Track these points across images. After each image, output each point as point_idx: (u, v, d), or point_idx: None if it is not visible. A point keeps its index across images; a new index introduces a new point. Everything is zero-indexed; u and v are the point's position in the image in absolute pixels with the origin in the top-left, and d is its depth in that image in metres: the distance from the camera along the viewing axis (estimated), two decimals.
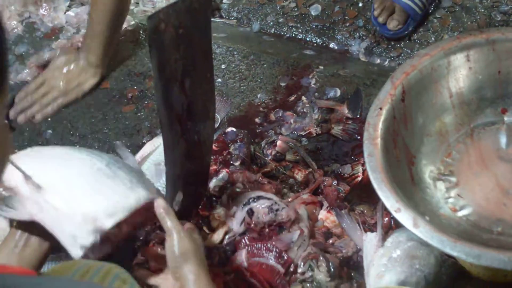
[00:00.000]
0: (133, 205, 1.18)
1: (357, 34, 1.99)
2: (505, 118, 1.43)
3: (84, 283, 0.97)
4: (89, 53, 1.89)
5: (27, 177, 1.17)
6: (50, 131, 1.91)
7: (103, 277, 1.05)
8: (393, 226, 1.46)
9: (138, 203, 1.18)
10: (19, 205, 1.17)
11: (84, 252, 1.14)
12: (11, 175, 1.17)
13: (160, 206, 1.19)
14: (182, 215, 1.32)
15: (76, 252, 1.14)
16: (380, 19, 1.91)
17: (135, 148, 1.83)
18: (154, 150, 1.69)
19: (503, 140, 1.41)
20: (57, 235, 1.16)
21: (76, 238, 1.14)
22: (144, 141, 1.85)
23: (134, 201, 1.18)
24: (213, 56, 1.43)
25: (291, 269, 1.42)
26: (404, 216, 1.19)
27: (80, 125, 1.95)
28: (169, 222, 1.17)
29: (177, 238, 1.15)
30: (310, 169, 1.65)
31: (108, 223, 1.14)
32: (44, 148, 1.36)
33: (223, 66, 2.00)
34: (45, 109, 1.60)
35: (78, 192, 1.19)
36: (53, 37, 2.18)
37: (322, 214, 1.54)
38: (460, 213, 1.33)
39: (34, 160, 1.25)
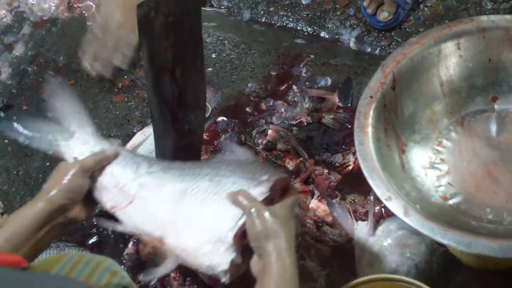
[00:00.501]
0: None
1: (348, 23, 1.99)
2: (495, 106, 1.43)
3: (70, 280, 0.95)
4: None
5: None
6: None
7: (93, 269, 1.04)
8: (384, 215, 1.46)
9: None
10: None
11: (230, 272, 1.13)
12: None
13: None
14: None
15: (224, 279, 1.13)
16: (369, 10, 1.90)
17: (126, 138, 1.82)
18: (145, 139, 1.68)
19: (493, 128, 1.41)
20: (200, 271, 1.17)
21: (214, 267, 1.13)
22: (135, 130, 1.85)
23: None
24: (203, 45, 1.43)
25: None
26: (395, 205, 1.19)
27: None
28: (244, 201, 1.13)
29: (255, 217, 1.10)
30: (301, 158, 1.65)
31: (230, 235, 1.13)
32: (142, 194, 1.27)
33: (213, 55, 1.99)
34: None
35: (195, 224, 1.17)
36: (43, 27, 2.17)
37: (313, 203, 1.54)
38: (451, 201, 1.33)
39: (142, 210, 1.23)
